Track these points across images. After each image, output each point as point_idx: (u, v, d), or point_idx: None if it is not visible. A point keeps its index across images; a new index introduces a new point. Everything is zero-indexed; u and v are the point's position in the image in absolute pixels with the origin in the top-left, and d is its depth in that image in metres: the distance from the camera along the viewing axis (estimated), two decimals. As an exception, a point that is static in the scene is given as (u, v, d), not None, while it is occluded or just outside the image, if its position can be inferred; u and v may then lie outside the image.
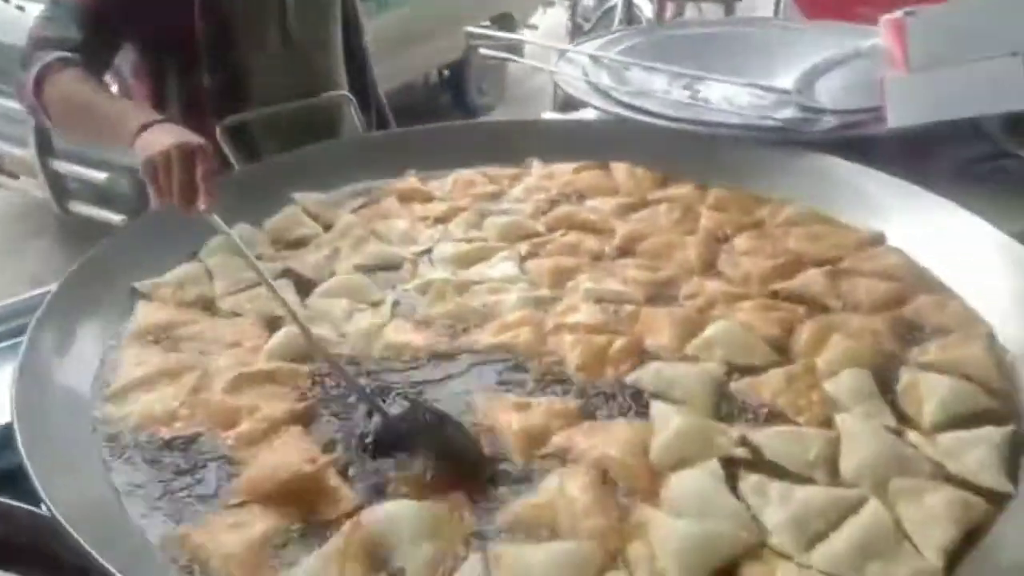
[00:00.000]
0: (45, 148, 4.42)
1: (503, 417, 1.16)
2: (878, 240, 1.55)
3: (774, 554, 0.97)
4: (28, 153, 4.45)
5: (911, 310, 1.37)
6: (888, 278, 1.44)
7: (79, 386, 1.24)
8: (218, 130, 1.71)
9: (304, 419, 1.17)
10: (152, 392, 1.21)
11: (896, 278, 1.44)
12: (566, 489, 1.04)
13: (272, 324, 1.37)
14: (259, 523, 1.02)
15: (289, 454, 1.08)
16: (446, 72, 6.54)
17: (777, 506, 1.02)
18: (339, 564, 0.96)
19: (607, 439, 1.11)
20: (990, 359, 1.24)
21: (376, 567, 0.97)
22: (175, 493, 1.08)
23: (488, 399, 1.21)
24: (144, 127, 1.47)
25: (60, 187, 4.52)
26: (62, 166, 4.41)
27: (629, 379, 1.24)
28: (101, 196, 4.39)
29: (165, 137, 1.42)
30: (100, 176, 4.26)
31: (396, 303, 1.43)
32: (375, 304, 1.42)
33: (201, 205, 1.38)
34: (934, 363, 1.25)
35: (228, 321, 1.39)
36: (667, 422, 1.13)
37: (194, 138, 1.43)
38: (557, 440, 1.13)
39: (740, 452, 1.10)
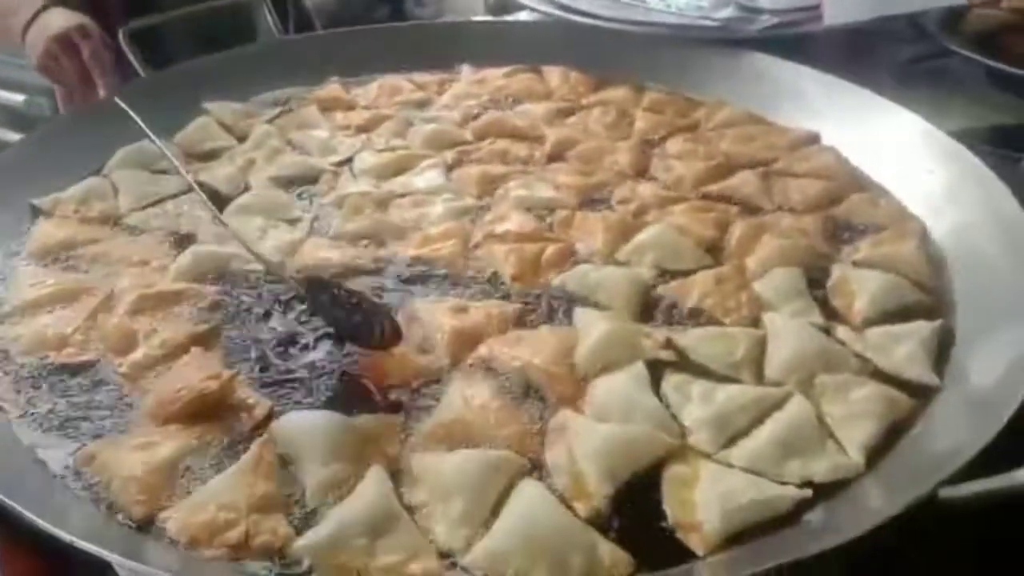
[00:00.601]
0: (-45, 69, 4.17)
1: (439, 319, 1.12)
2: (812, 140, 1.52)
3: (696, 454, 0.95)
4: (-62, 75, 4.20)
5: (843, 209, 1.34)
6: (821, 178, 1.41)
7: (-30, 306, 1.17)
8: (121, 35, 1.60)
9: (205, 342, 1.11)
10: (46, 315, 1.14)
11: (829, 177, 1.41)
12: (473, 401, 1.01)
13: (180, 242, 1.30)
14: (167, 444, 0.97)
15: (191, 375, 1.02)
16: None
17: (697, 404, 1.00)
18: (249, 480, 0.92)
19: (532, 348, 1.07)
20: (921, 255, 1.22)
21: (287, 484, 0.93)
22: (70, 418, 1.02)
23: (425, 305, 1.16)
24: (31, 20, 1.36)
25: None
26: (-25, 87, 4.17)
27: (555, 282, 1.20)
28: (19, 120, 4.17)
29: (50, 24, 1.31)
30: (17, 99, 4.04)
31: (315, 219, 1.36)
32: (291, 221, 1.35)
33: (100, 91, 1.28)
34: (865, 259, 1.23)
35: (133, 239, 1.31)
36: (591, 328, 1.10)
37: (74, 19, 1.32)
38: (482, 351, 1.09)
39: (665, 355, 1.07)
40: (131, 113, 1.28)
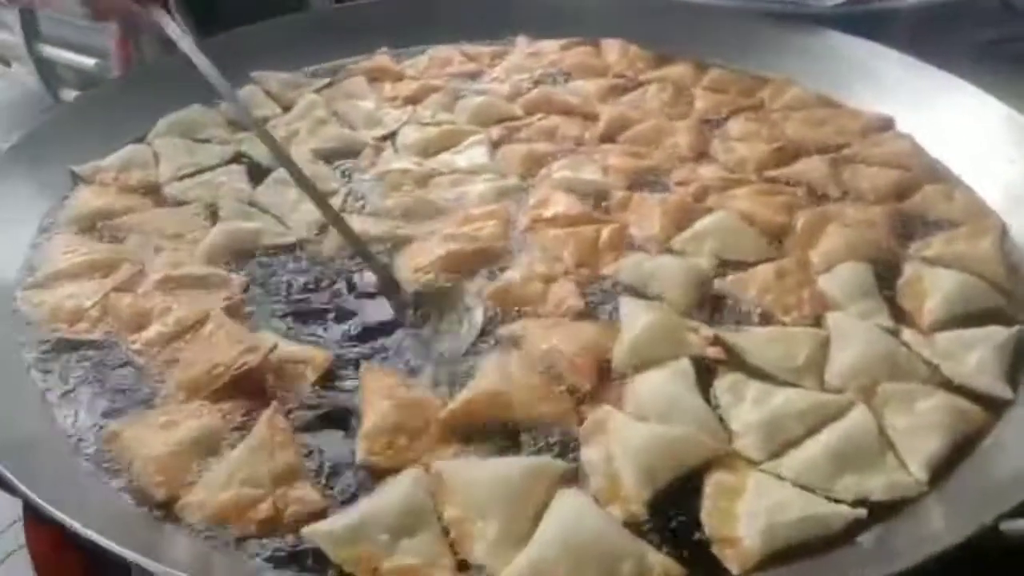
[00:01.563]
0: (31, 33, 4.22)
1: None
2: (886, 125, 1.42)
3: (743, 461, 0.88)
4: (17, 39, 4.26)
5: (916, 202, 1.25)
6: (894, 167, 1.31)
7: (4, 271, 1.15)
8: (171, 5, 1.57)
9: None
10: (72, 285, 1.12)
11: (903, 167, 1.31)
12: (511, 375, 0.97)
13: (216, 214, 1.26)
14: (191, 423, 0.93)
15: (223, 348, 0.99)
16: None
17: (750, 407, 0.93)
18: (267, 452, 0.89)
19: (565, 336, 1.02)
20: (998, 255, 1.13)
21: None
22: (94, 393, 1.00)
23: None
24: None
25: (50, 74, 4.34)
26: (50, 52, 4.22)
27: (606, 271, 1.13)
28: (91, 83, 4.22)
29: None
30: (89, 62, 4.09)
31: (349, 194, 1.31)
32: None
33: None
34: (938, 257, 1.14)
35: (170, 210, 1.28)
36: (634, 320, 1.03)
37: None
38: (514, 327, 1.05)
39: (712, 352, 1.00)
40: (199, 65, 1.23)
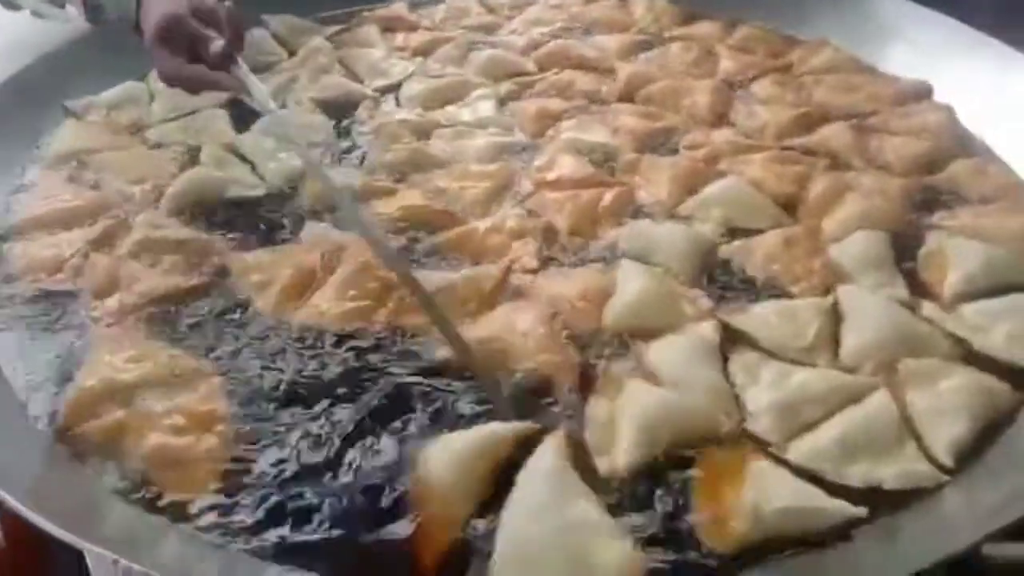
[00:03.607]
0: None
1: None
2: (924, 94, 1.33)
3: (750, 442, 0.82)
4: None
5: (945, 176, 1.16)
6: (923, 137, 1.22)
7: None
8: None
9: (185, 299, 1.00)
10: (51, 234, 1.08)
11: (933, 138, 1.22)
12: (516, 325, 0.92)
13: (193, 158, 1.22)
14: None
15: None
16: None
17: (766, 387, 0.86)
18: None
19: (565, 283, 0.98)
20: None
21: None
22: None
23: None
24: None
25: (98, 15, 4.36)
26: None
27: (607, 237, 1.06)
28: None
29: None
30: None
31: (330, 147, 1.25)
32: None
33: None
34: (965, 228, 1.06)
35: (147, 153, 1.24)
36: (629, 283, 0.97)
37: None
38: (515, 281, 1.00)
39: (707, 327, 0.93)
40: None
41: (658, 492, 0.77)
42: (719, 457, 0.80)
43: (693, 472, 0.79)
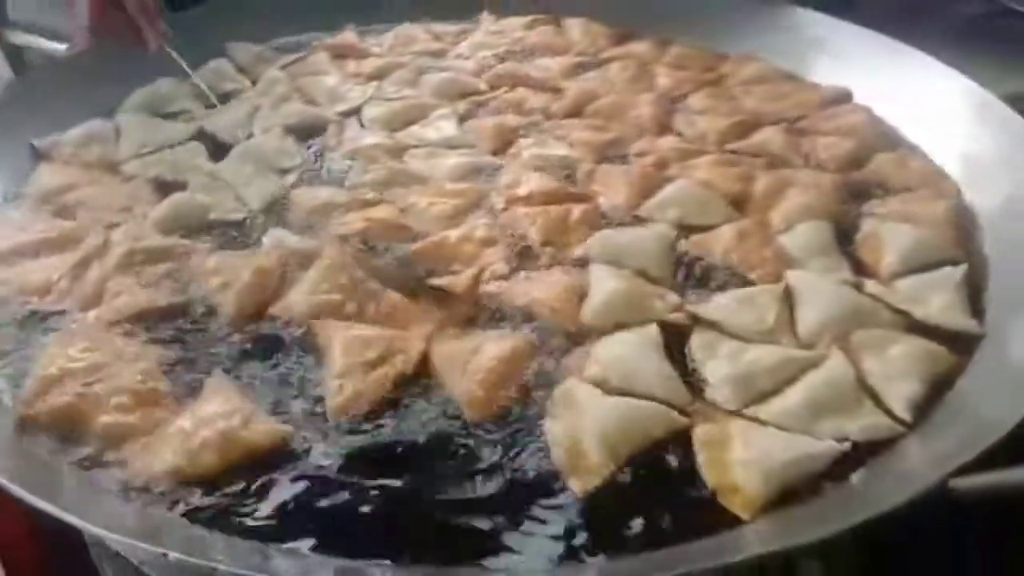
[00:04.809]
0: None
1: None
2: (844, 98, 1.44)
3: (721, 412, 0.90)
4: (-16, 26, 4.21)
5: (873, 168, 1.28)
6: (849, 136, 1.33)
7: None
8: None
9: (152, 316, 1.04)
10: (32, 261, 1.11)
11: (858, 136, 1.33)
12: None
13: (167, 190, 1.25)
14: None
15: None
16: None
17: (723, 361, 0.95)
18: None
19: (539, 286, 1.05)
20: (951, 218, 1.16)
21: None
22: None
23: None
24: None
25: (19, 59, 4.29)
26: (19, 37, 4.17)
27: (578, 252, 1.13)
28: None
29: None
30: (59, 47, 4.05)
31: (306, 169, 1.31)
32: (283, 171, 1.30)
33: (150, 44, 1.25)
34: (894, 214, 1.17)
35: (122, 185, 1.27)
36: (602, 284, 1.05)
37: None
38: (490, 288, 1.06)
39: (676, 317, 1.01)
40: (175, 56, 1.28)
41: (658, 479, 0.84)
42: (705, 431, 0.88)
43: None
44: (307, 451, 0.88)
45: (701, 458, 0.86)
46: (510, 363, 0.95)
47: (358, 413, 0.91)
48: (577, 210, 1.19)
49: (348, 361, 0.95)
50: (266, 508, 0.82)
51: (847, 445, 0.85)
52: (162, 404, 0.92)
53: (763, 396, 0.92)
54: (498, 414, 0.91)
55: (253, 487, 0.84)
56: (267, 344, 1.00)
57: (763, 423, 0.89)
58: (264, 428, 0.89)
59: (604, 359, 0.96)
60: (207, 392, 0.93)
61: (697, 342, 0.98)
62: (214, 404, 0.91)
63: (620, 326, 1.00)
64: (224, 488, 0.84)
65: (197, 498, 0.83)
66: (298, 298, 1.04)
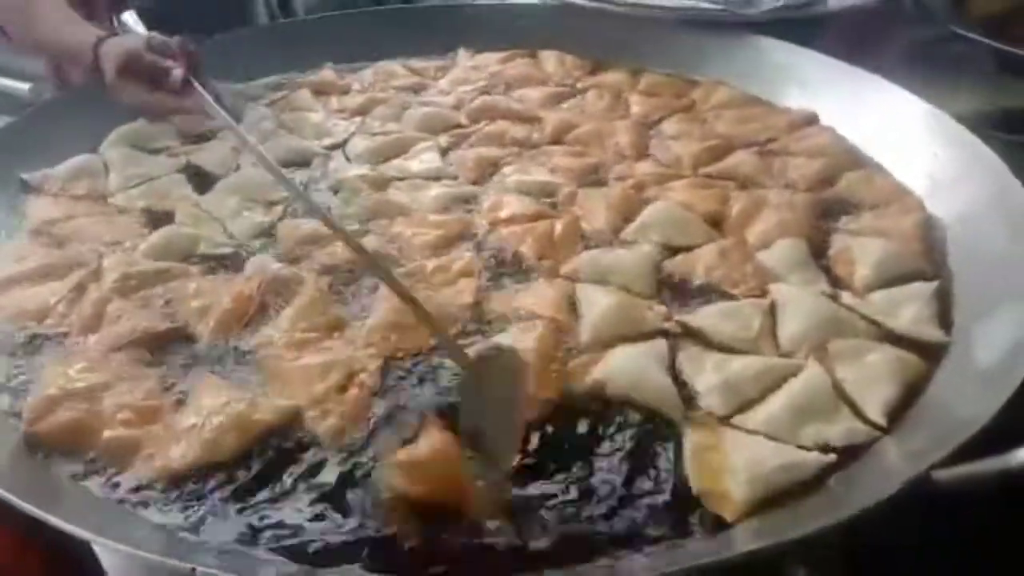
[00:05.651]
0: (-40, 58, 4.16)
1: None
2: (811, 120, 1.50)
3: (712, 420, 0.94)
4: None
5: (842, 186, 1.33)
6: (818, 156, 1.39)
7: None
8: (115, 21, 1.60)
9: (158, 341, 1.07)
10: (29, 288, 1.13)
11: (827, 156, 1.39)
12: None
13: (156, 221, 1.28)
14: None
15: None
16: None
17: (710, 372, 0.99)
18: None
19: (532, 298, 1.11)
20: (919, 232, 1.21)
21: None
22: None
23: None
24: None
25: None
26: (-16, 78, 4.17)
27: (564, 271, 1.17)
28: (24, 108, 4.17)
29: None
30: (23, 87, 4.04)
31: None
32: (270, 203, 1.32)
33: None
34: (865, 229, 1.23)
35: (112, 217, 1.29)
36: (595, 304, 1.09)
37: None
38: (493, 305, 1.10)
39: (669, 326, 1.06)
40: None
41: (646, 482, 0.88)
42: (696, 439, 0.91)
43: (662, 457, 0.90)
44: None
45: (689, 462, 0.89)
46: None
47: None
48: (560, 226, 1.23)
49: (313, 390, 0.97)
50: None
51: (832, 456, 0.88)
52: (163, 419, 0.95)
53: (750, 403, 0.96)
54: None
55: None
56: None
57: (750, 432, 0.92)
58: (273, 406, 0.93)
59: (608, 369, 1.00)
60: (200, 390, 0.97)
61: (684, 356, 1.02)
62: (211, 398, 0.94)
63: (617, 339, 1.04)
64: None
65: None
66: (275, 335, 1.06)
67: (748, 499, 0.85)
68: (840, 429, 0.92)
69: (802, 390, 0.96)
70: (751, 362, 1.01)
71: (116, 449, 0.91)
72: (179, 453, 0.89)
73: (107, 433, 0.92)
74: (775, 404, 0.95)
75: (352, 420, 0.94)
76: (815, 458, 0.88)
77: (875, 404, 0.94)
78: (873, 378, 0.97)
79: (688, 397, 0.98)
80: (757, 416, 0.94)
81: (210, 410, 0.93)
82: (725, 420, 0.94)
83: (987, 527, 0.96)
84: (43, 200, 1.32)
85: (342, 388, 0.97)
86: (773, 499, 0.85)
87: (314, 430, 0.93)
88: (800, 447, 0.90)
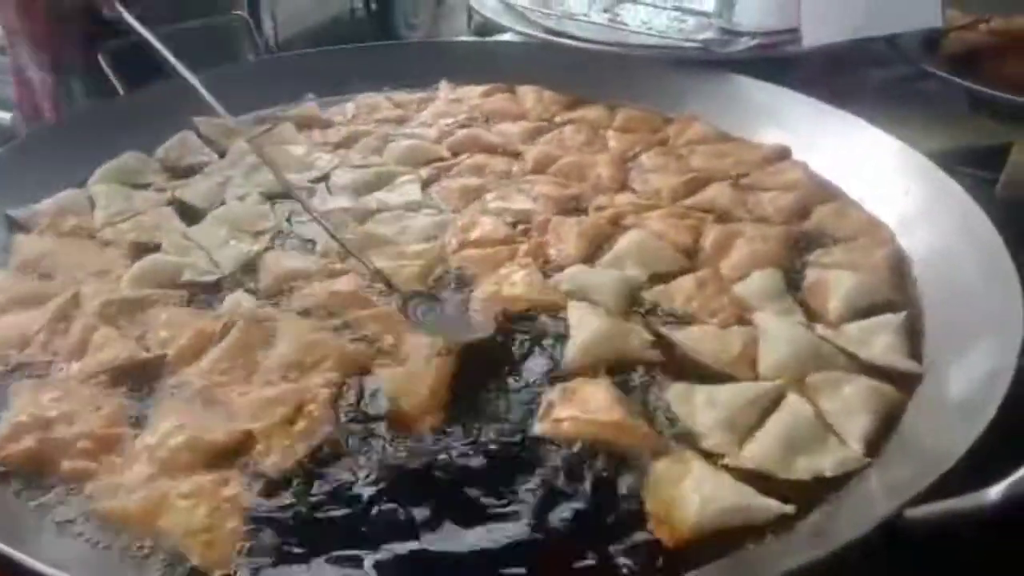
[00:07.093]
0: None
1: None
2: (783, 155, 1.54)
3: (689, 454, 0.96)
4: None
5: (815, 220, 1.36)
6: (791, 190, 1.43)
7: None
8: (101, 57, 1.61)
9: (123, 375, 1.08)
10: (10, 316, 1.14)
11: (799, 190, 1.43)
12: None
13: (144, 253, 1.29)
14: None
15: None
16: (373, 3, 6.11)
17: (703, 409, 1.01)
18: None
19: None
20: (889, 263, 1.24)
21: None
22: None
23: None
24: None
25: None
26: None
27: (550, 281, 1.21)
28: (7, 137, 4.16)
29: None
30: (5, 116, 4.04)
31: (280, 233, 1.36)
32: (257, 233, 1.34)
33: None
34: (837, 262, 1.26)
35: (99, 250, 1.31)
36: (585, 324, 1.12)
37: None
38: None
39: (652, 355, 1.09)
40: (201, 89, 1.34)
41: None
42: (665, 467, 0.93)
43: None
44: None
45: (650, 487, 0.91)
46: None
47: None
48: (523, 249, 1.28)
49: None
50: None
51: (791, 508, 0.89)
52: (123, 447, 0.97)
53: (748, 432, 0.98)
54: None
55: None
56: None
57: (729, 468, 0.94)
58: (229, 427, 0.96)
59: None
60: (159, 413, 0.99)
61: (672, 396, 1.03)
62: (170, 420, 0.97)
63: (600, 363, 1.07)
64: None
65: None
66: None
67: (692, 528, 0.87)
68: (832, 459, 0.94)
69: (787, 422, 0.98)
70: (740, 389, 1.03)
71: (72, 479, 0.93)
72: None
73: (66, 464, 0.93)
74: (765, 439, 0.97)
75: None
76: (774, 507, 0.89)
77: (855, 434, 0.97)
78: (852, 408, 1.00)
79: (682, 435, 0.99)
80: (752, 451, 0.96)
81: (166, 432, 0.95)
82: (722, 457, 0.96)
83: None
84: (31, 237, 1.33)
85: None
86: (726, 533, 0.87)
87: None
88: (795, 480, 0.93)
